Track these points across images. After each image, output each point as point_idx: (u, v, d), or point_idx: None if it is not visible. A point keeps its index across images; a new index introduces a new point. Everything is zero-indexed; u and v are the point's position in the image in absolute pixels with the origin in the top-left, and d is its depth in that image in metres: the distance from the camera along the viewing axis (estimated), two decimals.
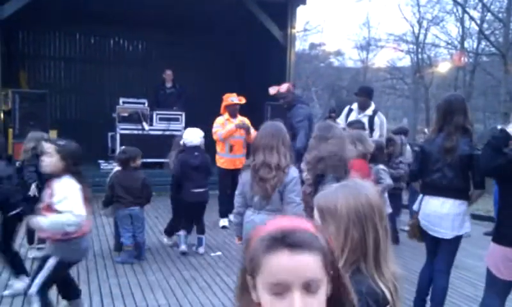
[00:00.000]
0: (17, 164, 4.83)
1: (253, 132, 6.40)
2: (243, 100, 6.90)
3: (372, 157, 4.60)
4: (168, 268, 5.23)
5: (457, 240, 3.74)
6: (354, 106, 6.41)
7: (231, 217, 6.15)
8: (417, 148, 4.11)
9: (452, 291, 4.81)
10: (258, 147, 3.38)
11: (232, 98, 6.80)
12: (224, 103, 6.85)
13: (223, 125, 6.72)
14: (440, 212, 3.69)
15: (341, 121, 6.39)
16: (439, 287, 3.81)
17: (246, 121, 6.84)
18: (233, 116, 6.79)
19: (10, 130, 8.30)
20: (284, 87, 6.41)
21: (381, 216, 1.49)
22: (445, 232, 3.70)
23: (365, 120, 6.09)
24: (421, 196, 3.92)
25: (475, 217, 8.54)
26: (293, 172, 3.36)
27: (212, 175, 6.02)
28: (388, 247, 1.50)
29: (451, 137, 3.62)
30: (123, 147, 5.77)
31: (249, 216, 3.44)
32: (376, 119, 6.16)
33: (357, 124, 5.79)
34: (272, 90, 6.50)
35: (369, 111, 6.18)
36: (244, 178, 3.48)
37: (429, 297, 3.94)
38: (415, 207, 4.02)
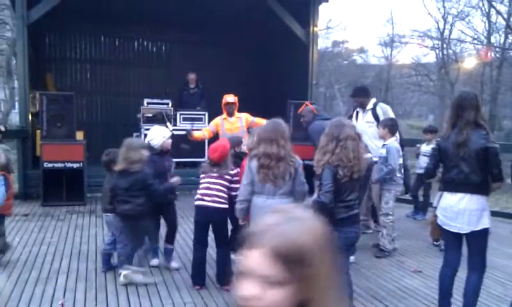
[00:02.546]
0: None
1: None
2: (236, 99, 7.28)
3: None
4: None
5: (481, 235, 3.69)
6: (359, 108, 6.76)
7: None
8: (434, 145, 4.14)
9: (481, 290, 4.73)
10: (260, 140, 3.93)
11: (228, 98, 7.22)
12: (222, 103, 7.25)
13: (215, 124, 7.22)
14: (457, 207, 3.68)
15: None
16: (470, 284, 3.76)
17: (245, 116, 7.19)
18: (230, 114, 7.16)
19: (38, 132, 8.48)
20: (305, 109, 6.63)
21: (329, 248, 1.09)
22: (461, 227, 3.68)
23: (370, 114, 6.50)
24: (440, 193, 3.93)
25: (504, 215, 8.36)
26: (299, 159, 3.98)
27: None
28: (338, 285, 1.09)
29: (462, 131, 3.63)
30: (108, 149, 5.44)
31: (263, 202, 3.88)
32: (378, 109, 6.49)
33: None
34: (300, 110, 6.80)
35: (370, 105, 6.54)
36: (254, 168, 3.91)
37: (452, 298, 3.87)
38: (434, 204, 4.00)
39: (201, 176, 4.73)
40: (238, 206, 4.16)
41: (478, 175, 3.64)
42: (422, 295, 4.66)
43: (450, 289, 3.87)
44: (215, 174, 4.58)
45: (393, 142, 5.58)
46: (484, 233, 3.70)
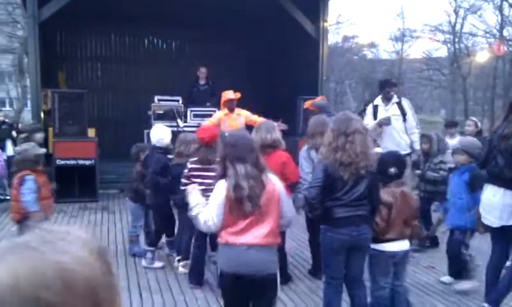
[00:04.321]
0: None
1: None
2: (238, 95, 7.25)
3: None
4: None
5: (509, 231, 3.62)
6: (377, 101, 6.52)
7: None
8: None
9: None
10: (314, 133, 4.37)
11: (229, 95, 7.20)
12: (222, 100, 7.21)
13: (218, 118, 7.10)
14: (492, 200, 3.64)
15: (369, 121, 6.34)
16: (506, 276, 3.74)
17: (244, 113, 7.09)
18: (231, 111, 7.13)
19: (50, 129, 8.54)
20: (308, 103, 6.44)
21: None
22: (493, 221, 3.65)
23: (395, 107, 6.31)
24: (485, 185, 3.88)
25: None
26: None
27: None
28: None
29: (511, 123, 3.54)
30: (136, 143, 5.85)
31: None
32: (404, 102, 6.41)
33: (385, 121, 5.82)
34: (307, 104, 6.62)
35: (395, 99, 6.37)
36: (314, 157, 4.22)
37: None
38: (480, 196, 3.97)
39: (190, 172, 4.35)
40: (307, 193, 3.54)
41: (511, 170, 3.51)
42: (436, 291, 4.63)
43: (495, 280, 3.81)
44: (206, 169, 4.24)
45: None
46: None
